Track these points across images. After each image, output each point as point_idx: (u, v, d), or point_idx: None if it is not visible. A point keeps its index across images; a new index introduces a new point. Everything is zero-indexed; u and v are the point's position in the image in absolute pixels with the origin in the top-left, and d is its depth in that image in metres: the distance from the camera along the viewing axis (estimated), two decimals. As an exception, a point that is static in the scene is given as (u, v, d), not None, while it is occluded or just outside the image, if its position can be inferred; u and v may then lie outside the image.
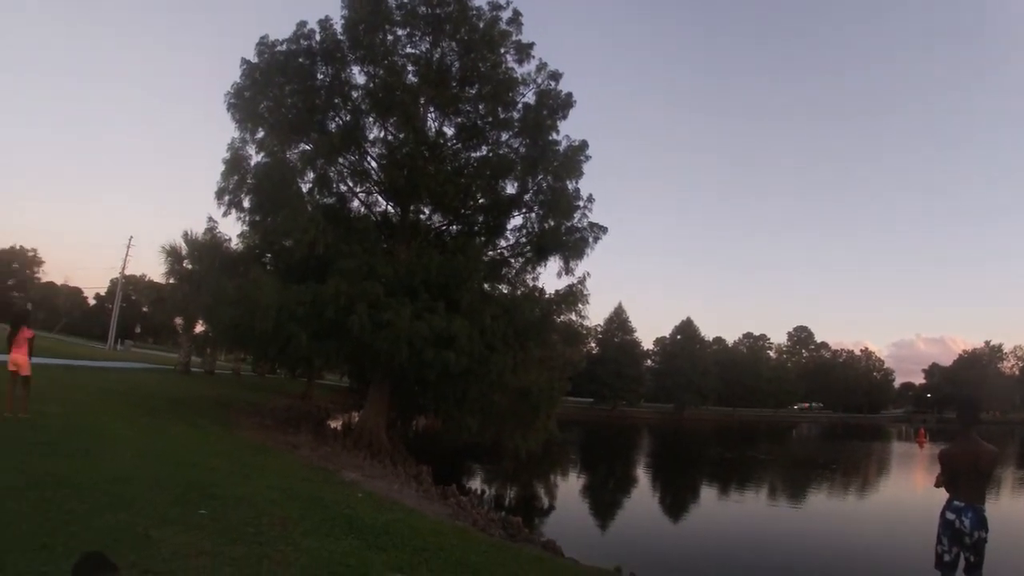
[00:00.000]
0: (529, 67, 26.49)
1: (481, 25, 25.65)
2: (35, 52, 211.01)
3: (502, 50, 26.05)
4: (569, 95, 26.61)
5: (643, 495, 30.47)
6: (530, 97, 26.60)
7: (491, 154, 26.74)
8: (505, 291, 26.99)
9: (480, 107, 26.52)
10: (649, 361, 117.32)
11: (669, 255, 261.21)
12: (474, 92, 26.37)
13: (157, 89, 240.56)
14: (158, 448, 12.73)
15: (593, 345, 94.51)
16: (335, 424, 35.73)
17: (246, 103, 24.66)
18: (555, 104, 26.27)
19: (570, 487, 31.82)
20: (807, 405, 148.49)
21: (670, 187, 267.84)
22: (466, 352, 20.89)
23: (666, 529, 22.52)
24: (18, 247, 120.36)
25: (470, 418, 24.12)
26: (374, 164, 26.91)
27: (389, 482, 16.91)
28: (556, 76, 26.61)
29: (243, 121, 24.89)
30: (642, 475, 38.22)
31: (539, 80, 26.53)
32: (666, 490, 32.72)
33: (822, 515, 25.46)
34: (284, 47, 25.51)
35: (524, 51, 26.23)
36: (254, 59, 25.32)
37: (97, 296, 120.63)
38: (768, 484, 34.90)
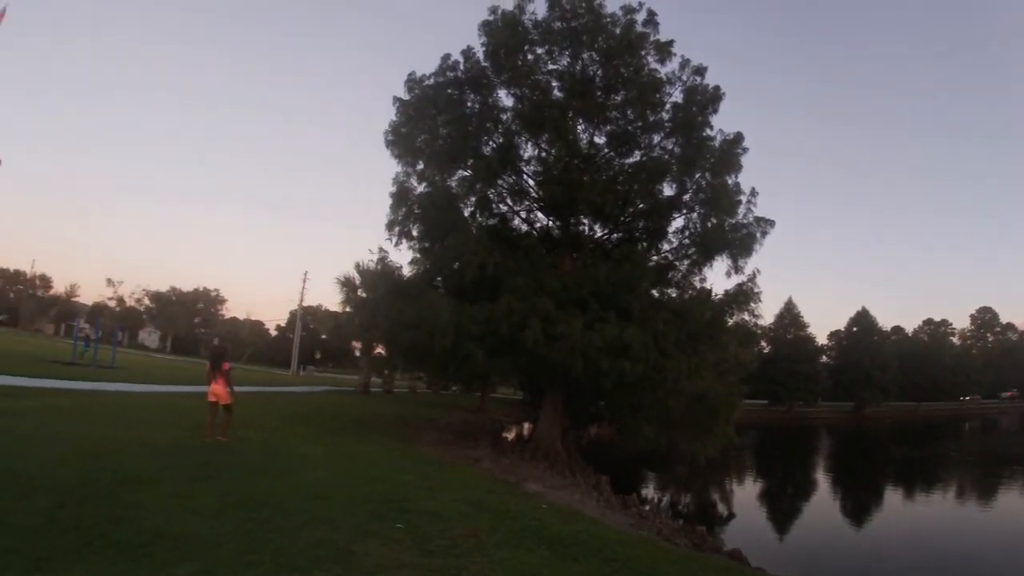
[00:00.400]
0: (672, 65, 25.92)
1: (617, 31, 25.26)
2: (208, 98, 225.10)
3: (642, 52, 25.48)
4: (717, 88, 25.77)
5: (823, 500, 29.24)
6: (677, 96, 26.01)
7: (645, 158, 26.23)
8: (674, 295, 26.37)
9: (628, 112, 26.04)
10: (824, 357, 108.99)
11: (838, 241, 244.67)
12: (620, 98, 26.02)
13: (323, 127, 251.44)
14: (348, 466, 13.23)
15: (764, 344, 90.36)
16: (510, 436, 36.13)
17: (403, 138, 25.45)
18: (703, 100, 25.53)
19: (747, 493, 30.84)
20: (1010, 394, 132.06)
21: (833, 171, 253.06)
22: (641, 360, 20.51)
23: (849, 536, 21.60)
24: (202, 288, 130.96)
25: (647, 426, 23.80)
26: (531, 182, 27.16)
27: (570, 492, 16.89)
28: (701, 71, 25.92)
29: (403, 156, 25.72)
30: (821, 479, 36.65)
31: (684, 77, 25.90)
32: (847, 494, 31.27)
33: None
34: (432, 80, 26.00)
35: (664, 50, 25.65)
36: (405, 96, 25.97)
37: (278, 327, 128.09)
38: (959, 484, 32.76)
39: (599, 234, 27.81)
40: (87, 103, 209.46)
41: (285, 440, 16.18)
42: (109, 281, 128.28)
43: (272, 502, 8.73)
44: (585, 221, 27.25)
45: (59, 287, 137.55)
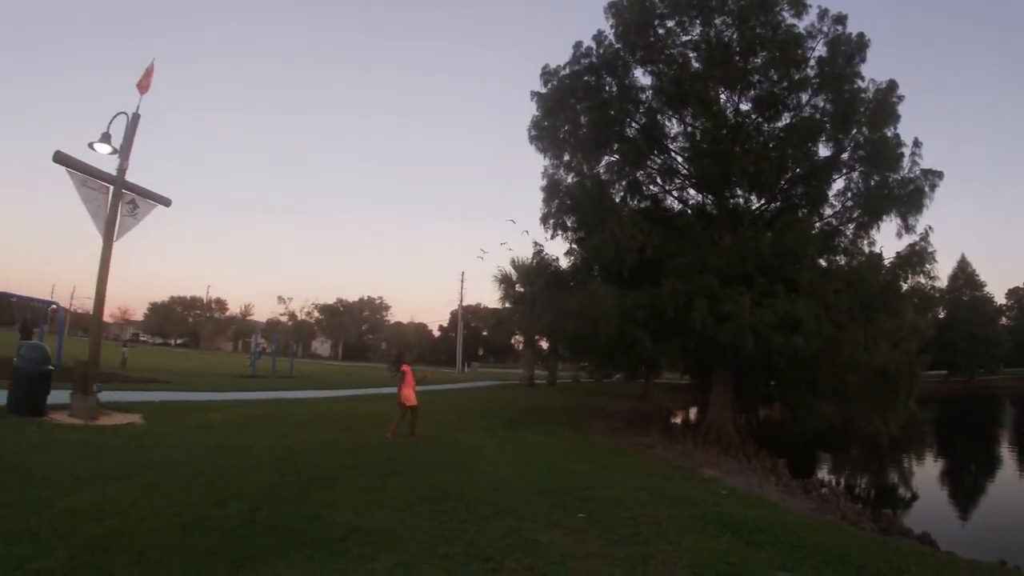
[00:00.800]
0: (809, 18, 24.58)
1: None
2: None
3: (776, 8, 24.30)
4: (861, 36, 24.20)
5: (1012, 478, 27.02)
6: (820, 49, 24.59)
7: (795, 119, 25.02)
8: (842, 262, 24.86)
9: (771, 74, 24.95)
10: (1004, 319, 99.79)
11: (1006, 184, 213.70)
12: (760, 61, 24.95)
13: (464, 129, 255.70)
14: (524, 457, 13.32)
15: (940, 309, 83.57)
16: (678, 421, 35.57)
17: (546, 131, 25.45)
18: (849, 50, 24.05)
19: (929, 473, 28.60)
20: None
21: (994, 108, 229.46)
22: (814, 333, 19.47)
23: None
24: (366, 297, 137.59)
25: (823, 403, 22.82)
26: (679, 159, 26.53)
27: (747, 477, 16.42)
28: (841, 19, 24.36)
29: (548, 148, 25.72)
30: (1007, 455, 33.91)
31: (825, 29, 24.45)
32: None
33: None
34: (567, 70, 25.86)
35: (798, 3, 24.35)
36: (542, 89, 25.92)
37: (440, 327, 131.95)
38: None
39: (756, 205, 26.76)
40: (241, 124, 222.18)
41: (461, 435, 16.52)
42: (280, 298, 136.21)
43: (457, 495, 8.88)
44: (740, 193, 26.26)
45: (234, 308, 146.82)
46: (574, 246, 26.50)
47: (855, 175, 24.78)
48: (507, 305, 53.91)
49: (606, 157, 25.82)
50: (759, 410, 36.38)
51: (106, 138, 14.60)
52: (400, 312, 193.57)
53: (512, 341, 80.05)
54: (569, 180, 25.77)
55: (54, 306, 37.93)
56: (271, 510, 7.46)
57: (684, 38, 25.40)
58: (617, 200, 25.60)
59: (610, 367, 34.77)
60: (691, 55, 25.27)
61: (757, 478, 16.95)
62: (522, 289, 50.17)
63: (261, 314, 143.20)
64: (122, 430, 12.75)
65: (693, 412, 37.50)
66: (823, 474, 24.24)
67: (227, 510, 7.34)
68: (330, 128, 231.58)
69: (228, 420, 15.66)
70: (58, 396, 14.04)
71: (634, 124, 26.24)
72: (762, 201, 26.64)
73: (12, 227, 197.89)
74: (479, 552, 6.33)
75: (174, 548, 5.93)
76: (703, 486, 11.52)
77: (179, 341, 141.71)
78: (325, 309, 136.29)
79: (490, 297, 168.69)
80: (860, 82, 24.14)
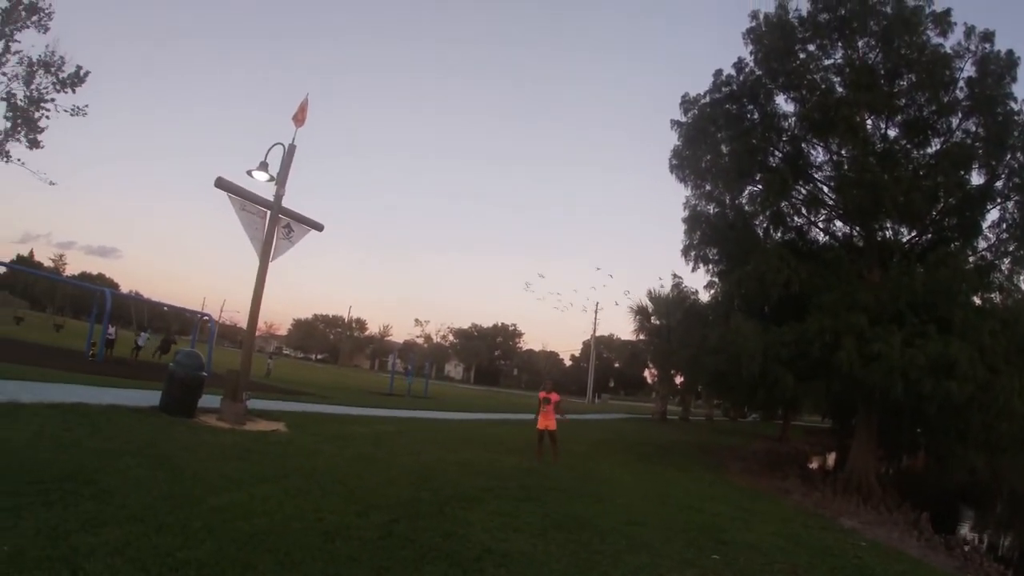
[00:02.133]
0: (955, 36, 23.31)
1: (888, 10, 23.27)
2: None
3: (920, 28, 23.13)
4: (1011, 54, 22.69)
5: None
6: (968, 70, 23.24)
7: (945, 145, 23.70)
8: (997, 300, 23.27)
9: (918, 97, 23.84)
10: None
11: None
12: (906, 84, 23.94)
13: (599, 159, 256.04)
14: (659, 492, 13.11)
15: None
16: (815, 466, 34.20)
17: (687, 161, 25.15)
18: (999, 69, 22.57)
19: None
20: None
21: None
22: (968, 378, 18.20)
23: None
24: (500, 324, 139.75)
25: (972, 454, 21.36)
26: (825, 189, 25.61)
27: (888, 530, 15.59)
28: (989, 37, 22.93)
29: (688, 178, 25.37)
30: None
31: (972, 47, 23.08)
32: None
33: None
34: (707, 99, 25.54)
35: (943, 21, 23.15)
36: (682, 118, 25.66)
37: (572, 357, 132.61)
38: None
39: (906, 238, 25.37)
40: (388, 160, 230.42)
41: (594, 465, 16.49)
42: (417, 321, 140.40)
43: (591, 525, 8.79)
44: (889, 225, 25.01)
45: (373, 328, 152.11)
46: (715, 279, 25.98)
47: (1010, 204, 23.22)
48: (641, 337, 53.42)
49: (749, 187, 25.17)
50: (902, 458, 34.51)
51: (263, 166, 15.40)
52: (532, 340, 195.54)
53: (645, 374, 78.99)
54: (711, 211, 25.31)
55: (206, 317, 39.90)
56: (408, 524, 7.54)
57: (827, 62, 24.80)
58: (760, 232, 24.94)
59: (750, 406, 33.76)
60: (835, 79, 24.57)
61: (898, 531, 16.08)
62: (658, 322, 49.69)
63: (398, 335, 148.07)
64: (267, 436, 13.22)
65: (832, 457, 35.97)
66: (967, 530, 22.59)
67: (367, 520, 7.47)
68: (474, 168, 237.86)
69: (367, 434, 16.02)
70: (207, 401, 14.73)
71: (777, 152, 25.59)
72: (913, 233, 25.22)
73: (167, 242, 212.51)
74: (617, 586, 6.15)
75: (317, 551, 6.06)
76: (842, 537, 11.03)
77: (319, 356, 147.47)
78: (460, 333, 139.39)
79: (624, 328, 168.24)
80: (1013, 104, 22.67)
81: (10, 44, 33.31)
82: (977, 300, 22.73)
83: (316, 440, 13.71)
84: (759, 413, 41.35)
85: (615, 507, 10.49)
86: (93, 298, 39.63)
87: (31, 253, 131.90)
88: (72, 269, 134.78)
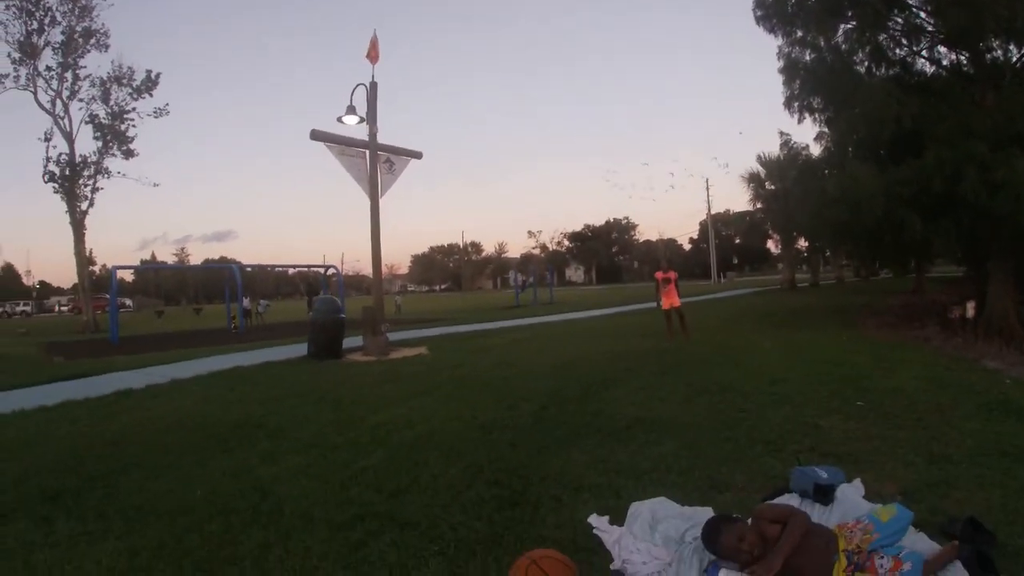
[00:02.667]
0: None
1: None
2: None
3: None
4: None
5: None
6: None
7: None
8: None
9: None
10: None
11: None
12: None
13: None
14: (797, 352, 13.09)
15: None
16: (953, 315, 33.11)
17: (772, 8, 23.80)
18: None
19: None
20: None
21: None
22: None
23: None
24: (612, 220, 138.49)
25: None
26: (922, 14, 23.96)
27: (1033, 368, 15.11)
28: None
29: (778, 27, 24.07)
30: None
31: None
32: None
33: None
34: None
35: None
36: None
37: (691, 240, 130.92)
38: None
39: (1016, 56, 23.79)
40: (474, 75, 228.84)
41: (728, 337, 16.47)
42: (530, 233, 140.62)
43: (733, 387, 8.99)
44: (996, 44, 23.43)
45: (488, 248, 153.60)
46: (823, 128, 24.89)
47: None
48: (758, 205, 51.98)
49: (842, 25, 23.76)
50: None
51: (351, 110, 15.81)
52: (648, 230, 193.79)
53: (767, 245, 77.38)
54: (807, 57, 24.11)
55: (332, 270, 41.32)
56: (557, 410, 7.96)
57: None
58: (863, 71, 23.68)
59: (878, 257, 32.57)
60: None
61: None
62: (772, 186, 48.24)
63: (514, 250, 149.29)
64: (412, 360, 13.92)
65: (971, 305, 34.64)
66: None
67: (518, 411, 7.94)
68: (552, 70, 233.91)
69: (503, 343, 16.59)
70: (349, 343, 15.55)
71: None
72: (1022, 52, 23.62)
73: (277, 211, 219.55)
74: (760, 436, 6.42)
75: (478, 442, 6.56)
76: (986, 376, 10.78)
77: (443, 286, 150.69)
78: (574, 237, 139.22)
79: (738, 201, 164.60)
80: None
81: (78, 72, 34.84)
82: None
83: (458, 355, 14.38)
84: (890, 267, 39.89)
85: (754, 370, 10.60)
86: (223, 278, 41.60)
87: (152, 256, 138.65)
88: (194, 259, 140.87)
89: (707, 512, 4.22)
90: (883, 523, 3.47)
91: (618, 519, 4.23)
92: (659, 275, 16.43)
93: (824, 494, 4.24)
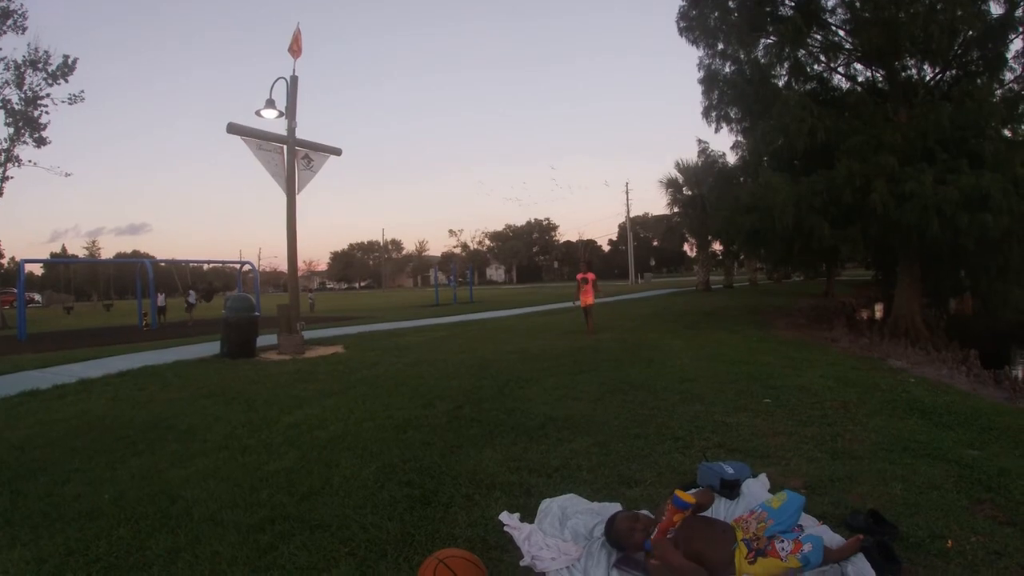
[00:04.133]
0: None
1: None
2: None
3: None
4: None
5: None
6: None
7: None
8: None
9: None
10: None
11: None
12: None
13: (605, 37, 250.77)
14: (708, 352, 13.38)
15: None
16: (862, 316, 34.18)
17: (696, 21, 24.24)
18: None
19: None
20: None
21: None
22: (1003, 210, 17.75)
23: None
24: (533, 220, 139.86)
25: (1015, 290, 21.22)
26: (841, 33, 24.73)
27: (936, 368, 15.69)
28: None
29: (699, 39, 24.53)
30: None
31: None
32: None
33: None
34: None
35: None
36: None
37: (610, 241, 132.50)
38: None
39: (930, 76, 24.66)
40: (392, 84, 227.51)
41: (643, 336, 16.70)
42: (451, 231, 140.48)
43: (644, 386, 9.18)
44: (911, 63, 24.36)
45: (409, 246, 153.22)
46: (740, 138, 25.50)
47: (1034, 35, 22.19)
48: (676, 210, 52.89)
49: (762, 40, 24.38)
50: (948, 303, 34.33)
51: (270, 103, 15.61)
52: (568, 231, 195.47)
53: (684, 248, 78.86)
54: (727, 69, 24.68)
55: (248, 266, 40.56)
56: (472, 408, 8.01)
57: None
58: (780, 84, 24.33)
59: (789, 263, 33.42)
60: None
61: (947, 368, 16.17)
62: (690, 192, 49.23)
63: (435, 249, 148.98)
64: (328, 359, 13.78)
65: (878, 308, 35.82)
66: (1018, 369, 22.73)
67: (433, 410, 7.96)
68: (480, 77, 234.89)
69: (421, 342, 16.55)
70: (263, 341, 15.33)
71: (788, 1, 24.71)
72: (936, 71, 24.34)
73: (192, 205, 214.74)
74: (670, 432, 6.58)
75: (392, 442, 6.55)
76: (891, 375, 11.23)
77: (363, 284, 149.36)
78: (495, 236, 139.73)
79: (656, 204, 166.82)
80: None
81: None
82: (1007, 132, 22.26)
83: (374, 354, 14.26)
84: (801, 271, 41.03)
85: (667, 369, 10.82)
86: (135, 272, 40.43)
87: (63, 249, 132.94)
88: (106, 252, 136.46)
89: (615, 507, 4.32)
90: (775, 509, 3.61)
91: (529, 516, 4.31)
92: (579, 276, 18.44)
93: (730, 488, 4.39)
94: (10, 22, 33.72)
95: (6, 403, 9.68)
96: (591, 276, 18.54)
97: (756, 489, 4.53)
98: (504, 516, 4.30)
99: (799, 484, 4.91)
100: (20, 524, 4.68)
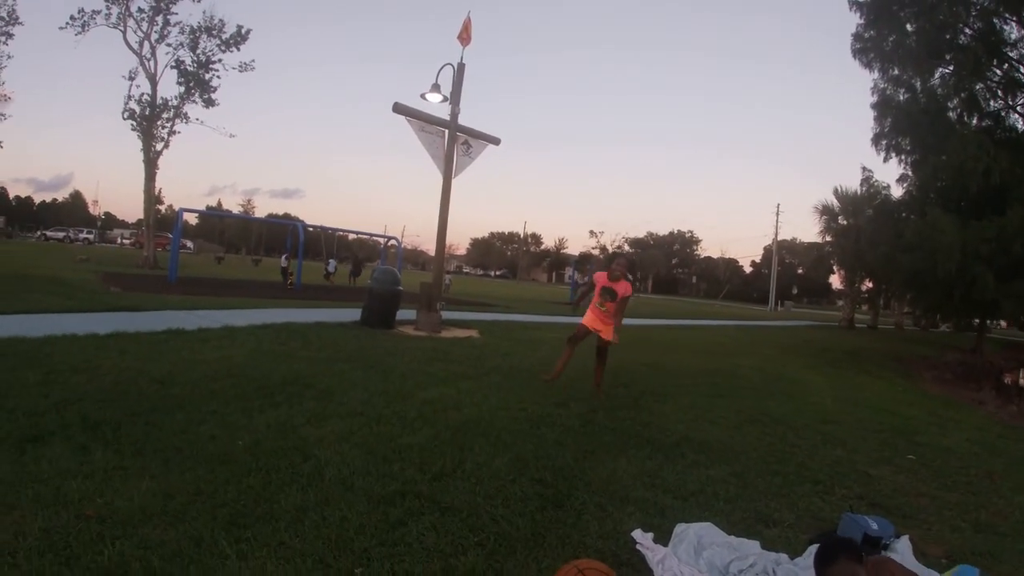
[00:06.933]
0: None
1: None
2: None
3: None
4: None
5: None
6: None
7: None
8: None
9: None
10: None
11: None
12: None
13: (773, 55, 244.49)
14: (850, 394, 12.93)
15: None
16: (1010, 380, 32.09)
17: (871, 43, 23.25)
18: None
19: None
20: None
21: None
22: None
23: None
24: (676, 231, 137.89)
25: None
26: (1022, 68, 23.20)
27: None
28: None
29: (874, 62, 23.52)
30: None
31: None
32: None
33: None
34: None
35: None
36: None
37: (752, 263, 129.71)
38: None
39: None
40: (560, 66, 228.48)
41: (782, 368, 16.26)
42: (591, 232, 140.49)
43: (784, 421, 8.90)
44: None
45: (548, 242, 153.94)
46: (908, 171, 24.33)
47: None
48: (827, 239, 50.97)
49: (939, 69, 23.10)
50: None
51: (436, 88, 15.85)
52: (710, 246, 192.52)
53: (830, 280, 76.15)
54: (901, 96, 23.53)
55: (393, 241, 41.62)
56: (607, 415, 7.89)
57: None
58: (954, 117, 23.02)
59: (944, 311, 31.71)
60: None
61: None
62: (845, 222, 47.29)
63: (573, 247, 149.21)
64: (463, 341, 13.92)
65: (1024, 373, 33.51)
66: None
67: (567, 410, 7.87)
68: (644, 69, 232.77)
69: (554, 339, 16.45)
70: (400, 315, 15.63)
71: (967, 30, 23.15)
72: None
73: (345, 177, 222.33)
74: (810, 475, 6.31)
75: (525, 435, 6.50)
76: (1035, 449, 10.50)
77: (498, 273, 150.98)
78: (635, 243, 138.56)
79: (807, 231, 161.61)
80: None
81: (169, 18, 35.43)
82: None
83: (508, 344, 14.32)
84: (952, 321, 38.84)
85: (807, 406, 10.49)
86: (286, 233, 42.10)
87: (219, 203, 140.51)
88: (259, 212, 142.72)
89: (754, 546, 4.14)
90: None
91: (662, 538, 4.17)
92: (601, 279, 9.72)
93: (873, 545, 4.19)
94: (184, -11, 35.69)
95: (152, 338, 10.06)
96: (623, 287, 9.32)
97: (902, 550, 4.29)
98: (637, 534, 4.17)
99: (941, 553, 4.63)
100: (152, 456, 4.79)
